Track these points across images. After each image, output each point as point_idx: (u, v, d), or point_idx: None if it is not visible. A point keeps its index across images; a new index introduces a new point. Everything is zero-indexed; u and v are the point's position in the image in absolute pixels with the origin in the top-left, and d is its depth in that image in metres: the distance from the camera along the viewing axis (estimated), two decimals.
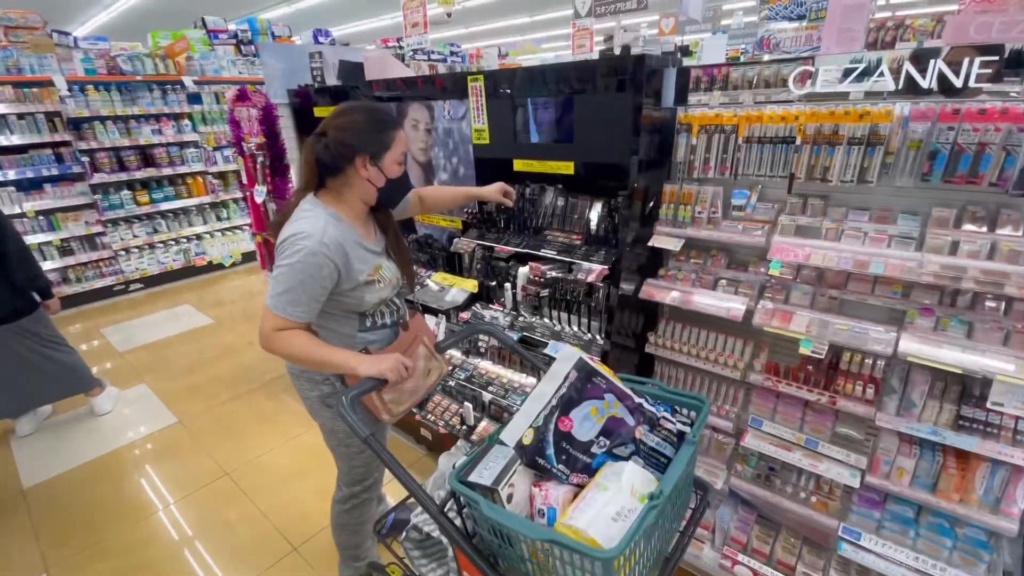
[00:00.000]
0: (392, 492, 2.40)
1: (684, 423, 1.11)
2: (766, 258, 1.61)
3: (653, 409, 1.11)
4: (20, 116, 4.58)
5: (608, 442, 1.08)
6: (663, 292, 1.83)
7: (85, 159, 4.99)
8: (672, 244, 1.76)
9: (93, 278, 5.29)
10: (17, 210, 4.69)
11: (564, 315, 2.06)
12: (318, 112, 2.83)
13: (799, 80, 1.49)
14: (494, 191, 1.86)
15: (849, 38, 1.62)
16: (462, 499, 1.07)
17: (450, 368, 2.53)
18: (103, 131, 5.10)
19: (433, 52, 9.54)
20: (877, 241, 1.50)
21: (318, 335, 1.54)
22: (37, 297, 2.90)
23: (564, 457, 1.07)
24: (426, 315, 2.60)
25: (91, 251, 5.25)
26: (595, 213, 1.95)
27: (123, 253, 5.45)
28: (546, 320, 2.11)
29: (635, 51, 1.52)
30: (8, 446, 3.05)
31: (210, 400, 3.48)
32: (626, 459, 1.09)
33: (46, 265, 4.93)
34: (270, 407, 3.35)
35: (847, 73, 1.43)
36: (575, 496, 1.05)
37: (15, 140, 4.59)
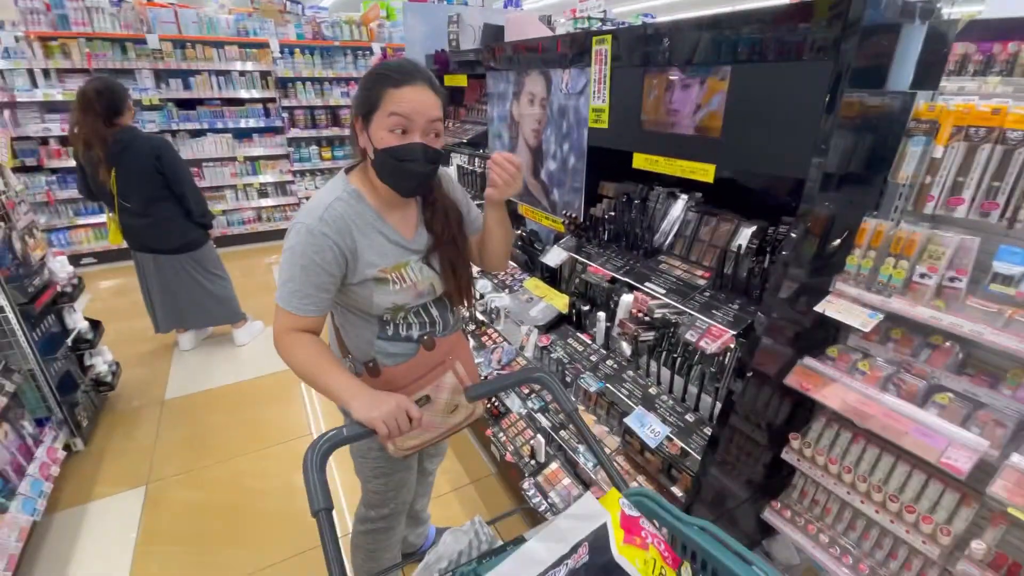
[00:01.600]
0: (436, 515, 2.14)
1: None
2: None
3: None
4: (241, 74, 5.31)
5: None
6: (827, 388, 1.15)
7: (285, 115, 5.64)
8: (858, 320, 1.07)
9: (279, 220, 6.07)
10: (231, 154, 5.50)
11: (667, 373, 1.49)
12: (448, 81, 2.58)
13: None
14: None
15: None
16: None
17: (484, 412, 2.13)
18: (303, 91, 5.69)
19: (623, 23, 8.83)
20: None
21: (339, 333, 1.31)
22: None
23: None
24: (523, 324, 2.24)
25: (281, 196, 6.00)
26: (738, 242, 1.33)
27: (305, 201, 6.12)
28: (641, 373, 1.57)
29: None
30: (170, 357, 3.56)
31: None
32: None
33: (248, 203, 5.78)
34: None
35: None
36: None
37: (241, 95, 5.35)
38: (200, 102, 5.24)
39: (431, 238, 1.24)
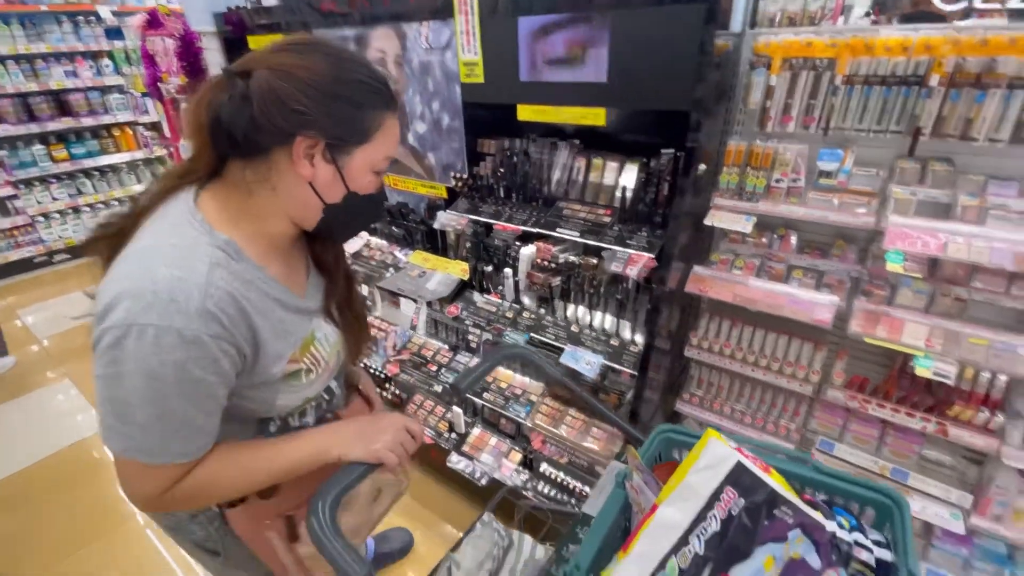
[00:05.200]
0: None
1: (879, 543, 0.67)
2: (880, 246, 1.19)
3: (848, 538, 0.66)
4: None
5: None
6: (722, 286, 1.39)
7: None
8: (740, 224, 1.31)
9: (7, 249, 4.54)
10: None
11: (582, 309, 1.61)
12: (254, 43, 2.20)
13: None
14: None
15: None
16: None
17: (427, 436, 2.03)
18: (3, 74, 4.23)
19: None
20: None
21: None
22: None
23: None
24: (401, 299, 2.12)
25: (2, 217, 4.47)
26: (627, 179, 1.47)
27: (41, 219, 4.67)
28: (559, 315, 1.67)
29: None
30: None
31: None
32: None
33: None
34: None
35: None
36: None
37: None
38: None
39: (320, 282, 0.92)
